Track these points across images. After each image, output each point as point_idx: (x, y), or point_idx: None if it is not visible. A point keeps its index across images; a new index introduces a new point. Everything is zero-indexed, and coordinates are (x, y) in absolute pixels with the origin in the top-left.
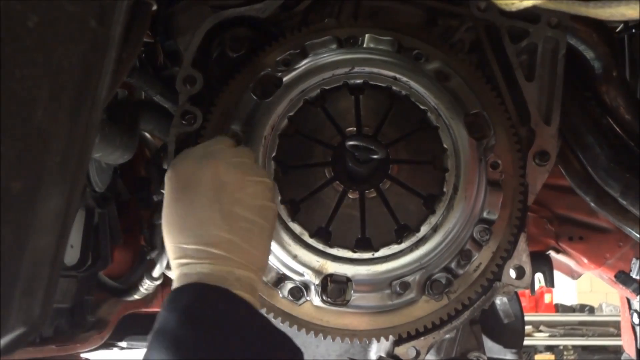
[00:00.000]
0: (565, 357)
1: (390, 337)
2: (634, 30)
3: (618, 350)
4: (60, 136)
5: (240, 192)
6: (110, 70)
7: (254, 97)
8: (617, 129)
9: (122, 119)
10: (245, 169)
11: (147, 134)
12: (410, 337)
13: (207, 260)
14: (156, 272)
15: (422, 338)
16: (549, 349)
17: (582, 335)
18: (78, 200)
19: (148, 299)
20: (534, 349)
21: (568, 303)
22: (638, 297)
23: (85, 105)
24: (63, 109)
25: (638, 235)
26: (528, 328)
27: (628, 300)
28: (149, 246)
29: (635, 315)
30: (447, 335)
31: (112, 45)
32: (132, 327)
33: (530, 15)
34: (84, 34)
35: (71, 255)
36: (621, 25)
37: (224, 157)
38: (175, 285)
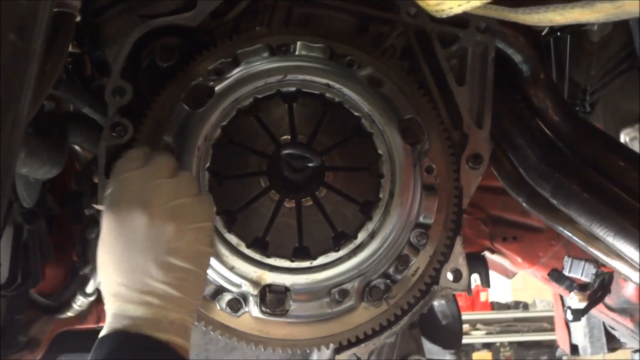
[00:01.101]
0: (502, 354)
1: (331, 345)
2: (559, 34)
3: (552, 345)
4: None
5: (177, 242)
6: (33, 85)
7: (186, 108)
8: (547, 130)
9: (49, 132)
10: (184, 215)
11: (76, 147)
12: (350, 345)
13: (141, 304)
14: (90, 288)
15: (363, 345)
16: (486, 346)
17: (518, 332)
18: (3, 217)
19: (82, 316)
20: (472, 347)
21: (503, 300)
22: (571, 293)
23: (6, 122)
24: None
25: (569, 234)
26: (465, 327)
27: (561, 297)
28: (81, 262)
29: (568, 312)
30: (387, 341)
31: (33, 59)
32: (66, 345)
33: (459, 20)
34: (3, 48)
35: None
36: (547, 29)
37: (161, 201)
38: (106, 321)
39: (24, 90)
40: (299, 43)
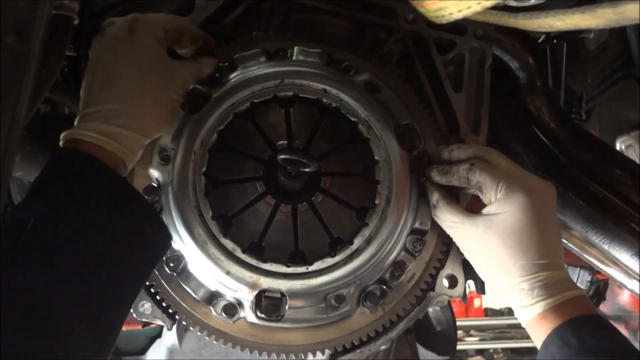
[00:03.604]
0: None
1: (326, 351)
2: (555, 41)
3: None
4: None
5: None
6: (30, 87)
7: (183, 112)
8: (543, 137)
9: (44, 136)
10: None
11: None
12: (346, 350)
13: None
14: None
15: (358, 351)
16: (480, 352)
17: (511, 338)
18: None
19: None
20: (465, 354)
21: (497, 307)
22: None
23: (3, 125)
24: None
25: (564, 241)
26: (459, 333)
27: None
28: None
29: None
30: (383, 347)
31: (31, 61)
32: None
33: (457, 27)
34: (1, 50)
35: None
36: (543, 36)
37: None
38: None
39: (22, 93)
40: (296, 48)
